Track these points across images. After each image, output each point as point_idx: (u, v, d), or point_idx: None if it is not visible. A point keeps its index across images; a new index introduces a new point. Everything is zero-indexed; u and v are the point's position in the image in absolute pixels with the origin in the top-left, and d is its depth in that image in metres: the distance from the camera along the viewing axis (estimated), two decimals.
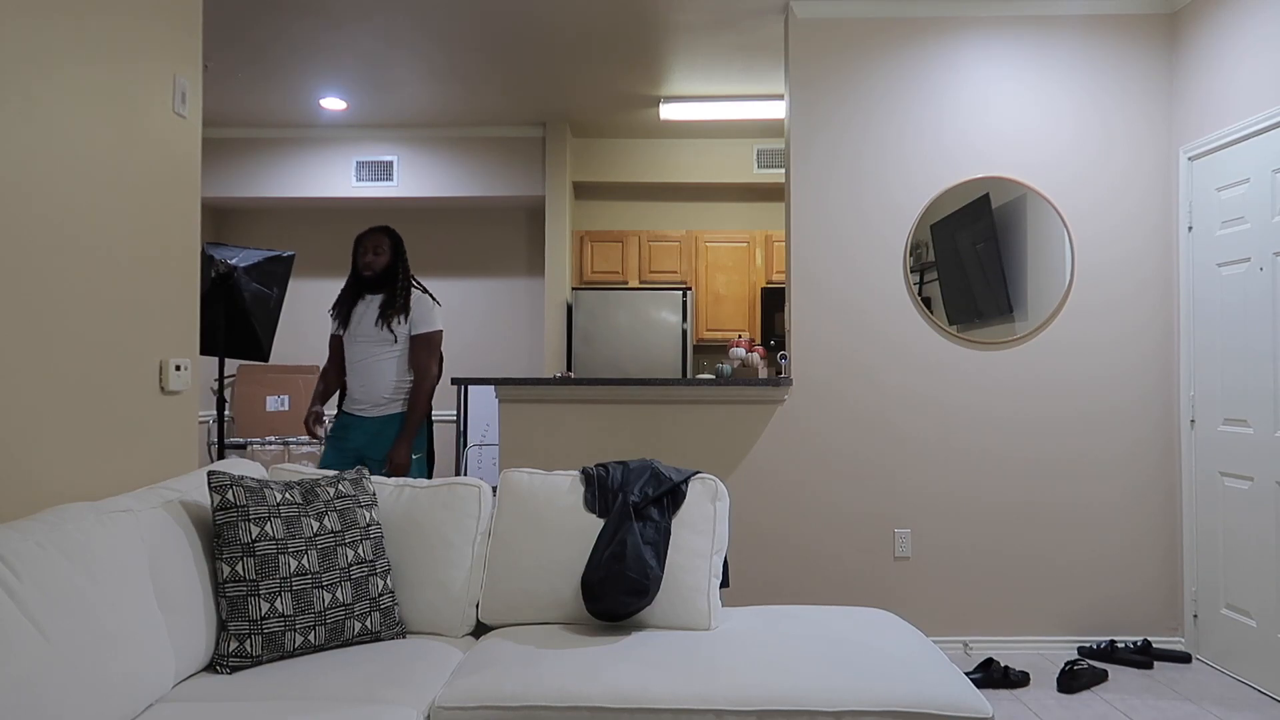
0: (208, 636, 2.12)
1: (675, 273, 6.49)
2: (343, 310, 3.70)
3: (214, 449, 6.03)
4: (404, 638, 2.39)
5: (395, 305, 3.61)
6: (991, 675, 3.40)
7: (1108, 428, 3.90)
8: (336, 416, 3.69)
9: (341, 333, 3.71)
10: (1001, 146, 3.95)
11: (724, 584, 2.66)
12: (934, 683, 2.00)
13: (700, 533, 2.51)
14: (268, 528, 2.19)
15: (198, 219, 2.83)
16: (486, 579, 2.50)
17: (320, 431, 3.71)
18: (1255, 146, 3.40)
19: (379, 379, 3.60)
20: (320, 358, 6.99)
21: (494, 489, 2.72)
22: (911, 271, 3.94)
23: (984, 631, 3.89)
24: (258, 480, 2.26)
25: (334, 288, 7.03)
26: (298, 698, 1.94)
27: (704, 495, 2.58)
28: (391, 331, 3.59)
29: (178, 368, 2.69)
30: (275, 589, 2.15)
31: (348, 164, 6.38)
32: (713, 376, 4.42)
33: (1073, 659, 3.49)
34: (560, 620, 2.46)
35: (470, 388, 6.38)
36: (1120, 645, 3.71)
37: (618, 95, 5.53)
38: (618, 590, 2.31)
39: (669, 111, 5.64)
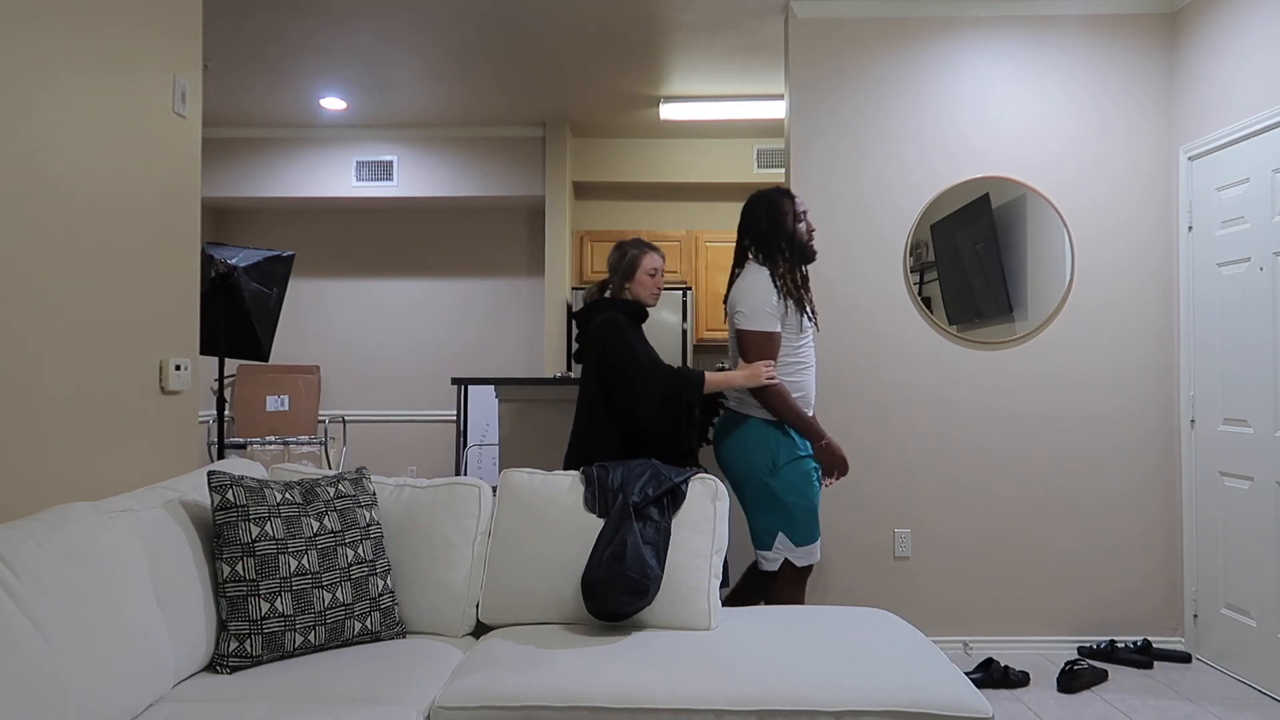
0: (208, 636, 2.12)
1: (675, 273, 6.49)
2: (800, 296, 3.02)
3: (214, 449, 6.03)
4: (404, 638, 2.39)
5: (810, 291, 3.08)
6: (991, 675, 3.40)
7: (1108, 428, 3.90)
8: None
9: (811, 329, 3.08)
10: (1001, 146, 3.95)
11: (724, 584, 2.66)
12: (934, 683, 2.00)
13: (700, 533, 2.51)
14: (268, 528, 2.19)
15: (198, 219, 2.83)
16: (486, 579, 2.50)
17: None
18: (1255, 146, 3.40)
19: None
20: (318, 358, 6.98)
21: (494, 489, 2.72)
22: (911, 271, 3.94)
23: (984, 631, 3.89)
24: (258, 480, 2.26)
25: (334, 288, 7.02)
26: (298, 698, 1.94)
27: (704, 495, 2.57)
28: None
29: (178, 368, 2.69)
30: (275, 589, 2.15)
31: (348, 164, 6.38)
32: None
33: (1073, 659, 3.49)
34: (560, 620, 2.46)
35: (470, 388, 6.38)
36: (1120, 645, 3.71)
37: (618, 95, 5.53)
38: (618, 590, 2.30)
39: (669, 111, 5.64)
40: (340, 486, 2.40)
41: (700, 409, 3.05)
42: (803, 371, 3.03)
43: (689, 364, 6.21)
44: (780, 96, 5.39)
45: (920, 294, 3.93)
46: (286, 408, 6.62)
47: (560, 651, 2.18)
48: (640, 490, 2.54)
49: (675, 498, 2.55)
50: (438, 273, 7.02)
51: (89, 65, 2.32)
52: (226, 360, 5.97)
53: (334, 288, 7.01)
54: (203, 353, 3.61)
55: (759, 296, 2.96)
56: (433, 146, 6.37)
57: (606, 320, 3.06)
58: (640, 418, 2.97)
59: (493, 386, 5.43)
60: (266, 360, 3.90)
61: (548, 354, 6.19)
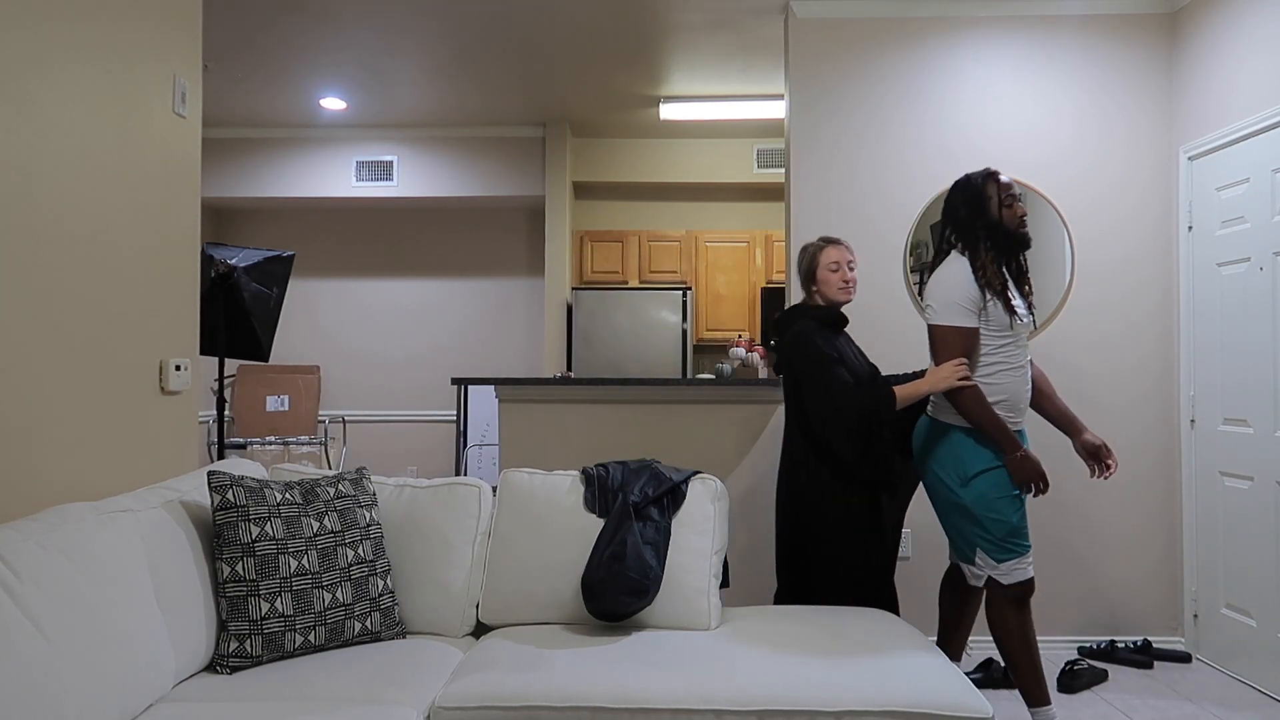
0: (208, 636, 2.12)
1: (675, 273, 6.49)
2: (1004, 290, 2.74)
3: (214, 449, 6.03)
4: (404, 638, 2.40)
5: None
6: (991, 675, 3.39)
7: (1108, 428, 3.90)
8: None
9: (1021, 324, 2.77)
10: (1001, 146, 3.95)
11: (724, 584, 2.66)
12: (934, 683, 2.00)
13: (700, 533, 2.51)
14: (268, 528, 2.19)
15: (198, 219, 2.83)
16: (486, 579, 2.50)
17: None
18: (1255, 146, 3.40)
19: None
20: (318, 358, 6.97)
21: (494, 489, 2.72)
22: (911, 271, 3.94)
23: (984, 631, 3.88)
24: (258, 480, 2.26)
25: (334, 288, 7.02)
26: (298, 698, 1.94)
27: (704, 495, 2.58)
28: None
29: (178, 368, 2.69)
30: (275, 589, 2.15)
31: (348, 164, 6.38)
32: (713, 376, 4.42)
33: (1073, 659, 3.49)
34: (560, 620, 2.46)
35: (470, 388, 6.38)
36: (1120, 645, 3.71)
37: (618, 95, 5.53)
38: (618, 590, 2.31)
39: (669, 111, 5.64)
40: (340, 487, 2.40)
41: (892, 428, 2.86)
42: (1006, 374, 2.75)
43: (688, 365, 6.21)
44: (780, 96, 5.39)
45: (920, 294, 3.93)
46: (286, 408, 6.62)
47: (560, 651, 2.18)
48: (640, 490, 2.54)
49: (675, 498, 2.56)
50: (437, 273, 7.02)
51: (89, 66, 2.32)
52: (226, 360, 5.98)
53: (334, 288, 7.01)
54: (203, 353, 3.62)
55: (952, 288, 2.73)
56: (433, 146, 6.37)
57: (796, 333, 2.92)
58: (832, 440, 2.83)
59: (493, 386, 5.43)
60: (266, 360, 3.91)
61: (548, 354, 6.19)
